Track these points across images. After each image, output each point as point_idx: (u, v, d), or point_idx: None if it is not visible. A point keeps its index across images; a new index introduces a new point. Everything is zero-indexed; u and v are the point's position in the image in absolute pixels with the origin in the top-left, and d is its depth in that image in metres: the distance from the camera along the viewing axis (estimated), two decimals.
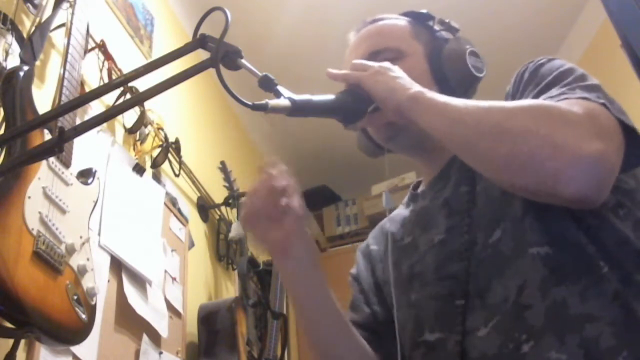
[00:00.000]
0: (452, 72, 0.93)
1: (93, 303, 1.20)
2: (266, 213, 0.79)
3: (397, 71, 0.86)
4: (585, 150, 0.66)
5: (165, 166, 2.03)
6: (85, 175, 1.32)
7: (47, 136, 1.19)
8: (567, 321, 0.70)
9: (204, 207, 2.40)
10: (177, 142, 2.06)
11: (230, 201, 2.45)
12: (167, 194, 2.00)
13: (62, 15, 1.50)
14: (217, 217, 2.51)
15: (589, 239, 0.73)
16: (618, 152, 0.70)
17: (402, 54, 0.95)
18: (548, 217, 0.75)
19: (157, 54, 2.21)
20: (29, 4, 1.46)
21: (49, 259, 1.08)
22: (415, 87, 0.81)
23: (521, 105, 0.75)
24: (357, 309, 0.99)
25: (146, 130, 1.90)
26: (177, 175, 2.12)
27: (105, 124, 1.67)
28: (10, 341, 1.12)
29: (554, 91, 0.76)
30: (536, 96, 0.78)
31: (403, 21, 1.01)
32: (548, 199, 0.71)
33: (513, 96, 0.83)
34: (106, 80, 1.70)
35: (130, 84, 1.70)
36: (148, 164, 1.95)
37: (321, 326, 0.89)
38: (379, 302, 0.97)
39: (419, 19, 1.01)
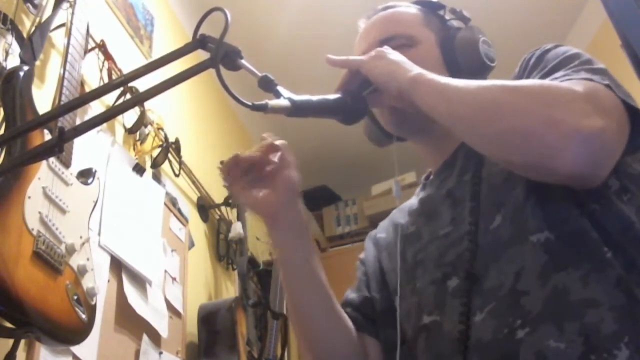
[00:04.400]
0: (465, 60, 0.93)
1: (93, 303, 1.20)
2: (256, 172, 0.81)
3: (396, 55, 0.85)
4: (583, 126, 0.65)
5: (165, 166, 2.03)
6: (85, 175, 1.32)
7: (47, 136, 1.19)
8: (567, 308, 0.69)
9: (204, 207, 2.40)
10: (177, 142, 2.06)
11: (230, 201, 2.45)
12: (167, 194, 2.00)
13: (62, 15, 1.50)
14: (217, 217, 2.52)
15: (592, 224, 0.72)
16: (619, 132, 0.69)
17: (414, 41, 0.95)
18: (550, 203, 0.74)
19: (157, 54, 2.21)
20: (29, 4, 1.47)
21: (49, 259, 1.08)
22: (416, 70, 0.81)
23: (521, 83, 0.75)
24: (357, 290, 1.00)
25: (146, 130, 1.90)
26: (177, 175, 2.12)
27: (105, 124, 1.67)
28: (10, 341, 1.12)
29: (559, 74, 0.76)
30: (541, 79, 0.78)
31: (414, 9, 1.01)
32: (545, 176, 0.71)
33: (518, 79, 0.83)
34: (106, 80, 1.71)
35: (130, 84, 1.70)
36: (148, 164, 1.95)
37: (305, 299, 0.89)
38: (379, 290, 0.97)
39: (430, 8, 1.01)
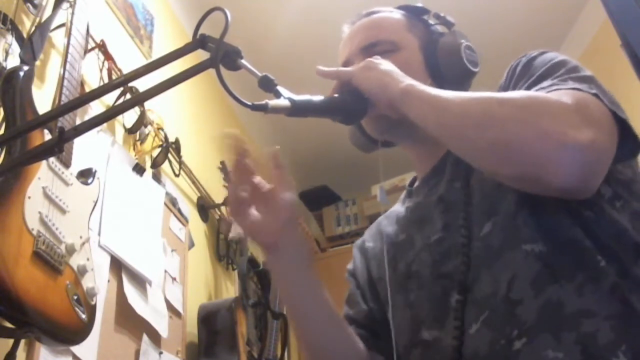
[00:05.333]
0: (447, 65, 0.93)
1: (93, 303, 1.20)
2: (254, 201, 0.78)
3: (387, 65, 0.85)
4: (572, 138, 0.65)
5: (165, 166, 2.03)
6: (85, 175, 1.32)
7: (47, 136, 1.19)
8: (563, 319, 0.68)
9: (204, 207, 2.40)
10: (177, 142, 2.06)
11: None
12: (167, 194, 2.00)
13: (62, 15, 1.50)
14: (217, 217, 2.52)
15: (585, 234, 0.72)
16: (609, 142, 0.69)
17: (397, 46, 0.95)
18: (542, 212, 0.74)
19: (157, 54, 2.21)
20: (29, 4, 1.47)
21: (49, 259, 1.08)
22: (407, 81, 0.81)
23: (510, 95, 0.75)
24: (354, 304, 0.98)
25: (146, 130, 1.90)
26: (177, 175, 2.12)
27: (105, 124, 1.67)
28: (10, 341, 1.12)
29: (546, 83, 0.75)
30: (528, 88, 0.77)
31: (398, 14, 1.01)
32: (535, 188, 0.71)
33: (505, 89, 0.83)
34: (106, 80, 1.71)
35: (130, 84, 1.70)
36: (148, 164, 1.95)
37: (312, 323, 0.87)
38: (374, 299, 0.96)
39: (414, 13, 1.01)
